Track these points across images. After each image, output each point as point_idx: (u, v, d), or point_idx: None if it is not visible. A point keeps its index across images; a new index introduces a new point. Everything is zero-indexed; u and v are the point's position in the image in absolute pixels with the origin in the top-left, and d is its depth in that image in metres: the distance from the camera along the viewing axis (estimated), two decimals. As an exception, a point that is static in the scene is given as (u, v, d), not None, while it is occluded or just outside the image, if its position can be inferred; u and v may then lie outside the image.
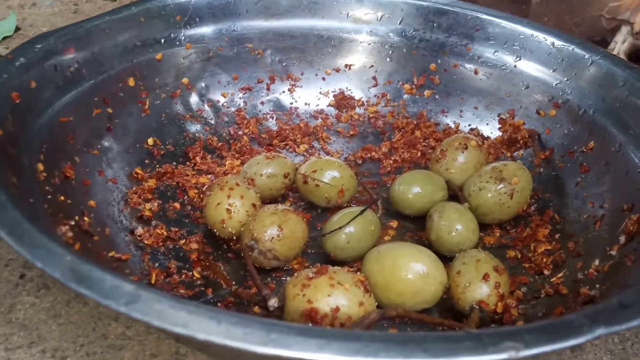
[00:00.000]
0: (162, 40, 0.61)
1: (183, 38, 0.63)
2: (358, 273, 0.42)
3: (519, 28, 0.63)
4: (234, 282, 0.46)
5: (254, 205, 0.49)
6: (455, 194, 0.54)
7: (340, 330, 0.36)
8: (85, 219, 0.45)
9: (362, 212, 0.48)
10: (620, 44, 0.77)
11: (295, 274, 0.41)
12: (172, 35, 0.62)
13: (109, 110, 0.55)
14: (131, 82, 0.58)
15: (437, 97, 0.68)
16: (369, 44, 0.70)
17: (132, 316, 0.26)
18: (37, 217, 0.36)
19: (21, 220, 0.30)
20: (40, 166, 0.43)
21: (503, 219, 0.52)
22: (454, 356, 0.25)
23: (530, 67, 0.63)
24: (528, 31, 0.63)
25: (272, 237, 0.45)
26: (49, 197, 0.42)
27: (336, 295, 0.38)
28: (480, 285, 0.42)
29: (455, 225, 0.48)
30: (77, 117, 0.50)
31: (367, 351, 0.25)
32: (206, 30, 0.65)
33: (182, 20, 0.63)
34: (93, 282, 0.27)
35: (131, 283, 0.27)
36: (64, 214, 0.42)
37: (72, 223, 0.42)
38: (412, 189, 0.53)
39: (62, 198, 0.44)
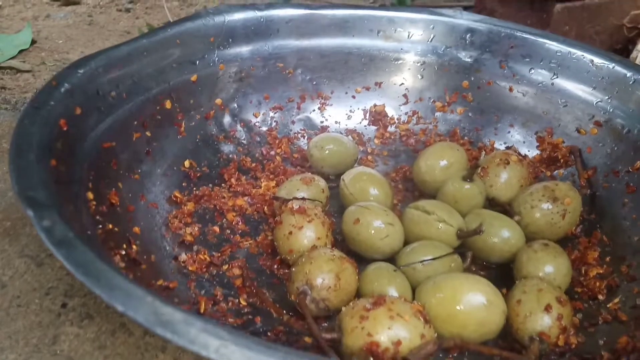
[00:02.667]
0: (197, 62, 0.61)
1: (217, 59, 0.63)
2: (415, 303, 0.41)
3: (555, 45, 0.63)
4: (284, 311, 0.45)
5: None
6: (504, 210, 0.53)
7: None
8: (133, 246, 0.44)
9: (448, 254, 0.46)
10: (644, 54, 0.77)
11: (351, 303, 0.40)
12: (206, 56, 0.62)
13: (148, 133, 0.54)
14: (168, 104, 0.57)
15: (470, 114, 0.68)
16: (400, 61, 0.70)
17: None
18: (97, 250, 0.35)
19: (93, 259, 0.29)
20: (90, 194, 0.42)
21: (551, 240, 0.51)
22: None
23: (568, 85, 0.62)
24: (565, 49, 0.62)
25: (329, 287, 0.44)
26: (100, 226, 0.41)
27: (397, 328, 0.37)
28: (542, 317, 0.41)
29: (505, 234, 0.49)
30: (119, 142, 0.50)
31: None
32: (239, 50, 0.64)
33: (215, 41, 0.62)
34: (177, 327, 0.26)
35: (217, 327, 0.26)
36: (114, 243, 0.42)
37: (123, 252, 0.41)
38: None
39: (111, 227, 0.43)
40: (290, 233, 0.49)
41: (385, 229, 0.49)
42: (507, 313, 0.42)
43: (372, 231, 0.49)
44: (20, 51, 0.90)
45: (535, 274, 0.46)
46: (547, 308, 0.41)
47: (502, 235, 0.49)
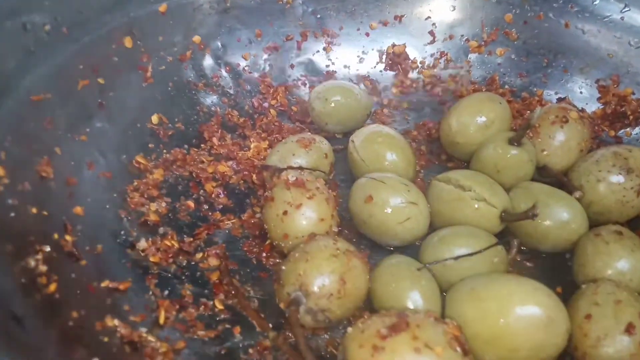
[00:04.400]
0: (167, -14, 0.48)
1: (193, -17, 0.49)
2: (448, 322, 0.29)
3: (629, -34, 0.49)
4: (271, 325, 0.34)
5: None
6: (559, 182, 0.41)
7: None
8: (68, 237, 0.33)
9: (490, 247, 0.35)
10: None
11: (359, 322, 0.29)
12: (178, -21, 0.48)
13: (100, 80, 0.42)
14: (128, 42, 0.45)
15: (512, 56, 0.55)
16: (426, -12, 0.56)
17: None
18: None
19: None
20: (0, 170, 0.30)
21: (619, 222, 0.40)
22: None
23: (644, 19, 0.48)
24: (642, -30, 0.48)
25: (330, 294, 0.33)
26: (12, 214, 0.30)
27: (425, 365, 0.26)
28: (621, 339, 0.30)
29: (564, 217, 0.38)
30: (56, 94, 0.38)
31: None
32: (222, -28, 0.51)
33: (191, -41, 0.49)
34: None
35: None
36: (36, 236, 0.30)
37: (47, 249, 0.30)
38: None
39: (34, 211, 0.32)
40: (285, 213, 0.37)
41: (407, 209, 0.38)
42: (570, 332, 0.31)
43: (389, 212, 0.38)
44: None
45: (604, 272, 0.34)
46: (629, 328, 0.30)
47: (559, 217, 0.38)
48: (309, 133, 0.47)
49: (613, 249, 0.35)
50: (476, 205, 0.38)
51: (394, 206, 0.38)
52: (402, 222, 0.38)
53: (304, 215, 0.37)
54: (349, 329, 0.30)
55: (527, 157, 0.41)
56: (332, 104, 0.48)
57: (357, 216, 0.39)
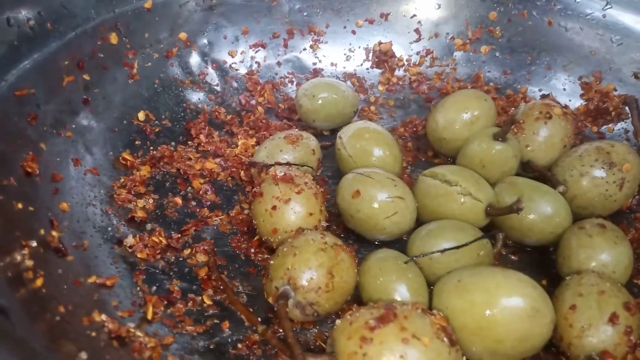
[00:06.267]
0: (153, -17, 0.47)
1: (179, -21, 0.49)
2: (435, 314, 0.30)
3: (610, -35, 0.50)
4: (259, 319, 0.34)
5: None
6: (543, 177, 0.42)
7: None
8: (54, 232, 0.33)
9: (476, 240, 0.35)
10: None
11: (348, 314, 0.30)
12: (164, -25, 0.48)
13: (85, 77, 0.42)
14: (113, 38, 0.45)
15: (497, 54, 0.55)
16: (412, -13, 0.56)
17: None
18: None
19: None
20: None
21: (602, 215, 0.40)
22: None
23: (625, 18, 0.49)
24: (623, -31, 0.49)
25: (318, 287, 0.33)
26: (-3, 209, 0.29)
27: (412, 355, 0.26)
28: (605, 329, 0.30)
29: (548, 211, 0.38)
30: (41, 89, 0.38)
31: None
32: (208, -31, 0.51)
33: (177, -44, 0.49)
34: None
35: None
36: (21, 231, 0.30)
37: (34, 244, 0.30)
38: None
39: (20, 206, 0.32)
40: (274, 208, 0.37)
41: (393, 203, 0.38)
42: (555, 322, 0.31)
43: (376, 207, 0.38)
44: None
45: (588, 264, 0.35)
46: (613, 318, 0.31)
47: (543, 211, 0.38)
48: (297, 130, 0.47)
49: (596, 241, 0.36)
50: (462, 200, 0.38)
51: (381, 201, 0.38)
52: (389, 216, 0.38)
53: (293, 209, 0.37)
54: (338, 322, 0.30)
55: (511, 153, 0.42)
56: (320, 101, 0.48)
57: (345, 211, 0.39)
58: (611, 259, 0.35)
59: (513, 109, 0.51)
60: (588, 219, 0.38)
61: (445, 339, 0.28)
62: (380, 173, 0.40)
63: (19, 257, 0.28)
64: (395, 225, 0.38)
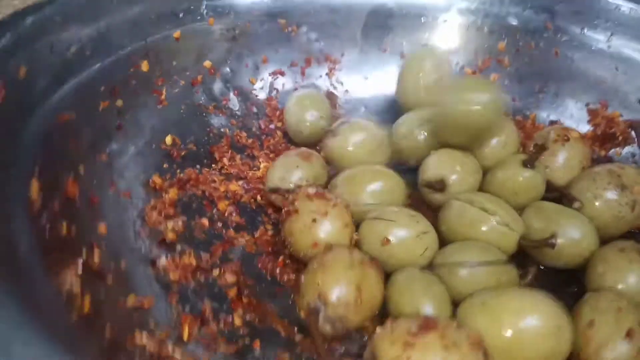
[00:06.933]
0: (181, 14, 0.49)
1: (205, 11, 0.51)
2: (469, 329, 0.31)
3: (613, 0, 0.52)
4: (296, 329, 0.36)
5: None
6: (561, 196, 0.43)
7: None
8: (96, 257, 0.34)
9: (502, 261, 0.37)
10: None
11: (389, 323, 0.31)
12: (192, 7, 0.50)
13: (119, 102, 0.44)
14: (145, 66, 0.46)
15: (506, 82, 0.57)
16: (423, 19, 0.59)
17: None
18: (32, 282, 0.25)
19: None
20: (35, 188, 0.31)
21: (614, 236, 0.42)
22: None
23: (628, 48, 0.52)
24: (625, 4, 0.52)
25: (347, 303, 0.34)
26: (47, 233, 0.31)
27: (453, 362, 0.28)
28: (622, 345, 0.32)
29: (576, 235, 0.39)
30: (80, 114, 0.39)
31: None
32: (232, 1, 0.53)
33: (203, -12, 0.51)
34: None
35: None
36: (68, 253, 0.31)
37: (80, 266, 0.31)
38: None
39: (65, 231, 0.33)
40: (314, 221, 0.39)
41: (422, 240, 0.39)
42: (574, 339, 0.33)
43: (408, 248, 0.39)
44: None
45: (616, 284, 0.36)
46: (630, 334, 0.32)
47: (571, 236, 0.39)
48: (306, 148, 0.48)
49: (622, 265, 0.37)
50: (499, 229, 0.39)
51: (411, 242, 0.39)
52: (422, 253, 0.39)
53: (331, 222, 0.39)
54: (378, 330, 0.31)
55: (540, 179, 0.43)
56: (351, 148, 0.48)
57: (376, 256, 0.39)
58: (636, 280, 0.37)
59: (522, 134, 0.53)
60: (611, 244, 0.39)
61: (480, 353, 0.29)
62: (397, 211, 0.41)
63: (69, 279, 0.29)
64: (427, 260, 0.40)
